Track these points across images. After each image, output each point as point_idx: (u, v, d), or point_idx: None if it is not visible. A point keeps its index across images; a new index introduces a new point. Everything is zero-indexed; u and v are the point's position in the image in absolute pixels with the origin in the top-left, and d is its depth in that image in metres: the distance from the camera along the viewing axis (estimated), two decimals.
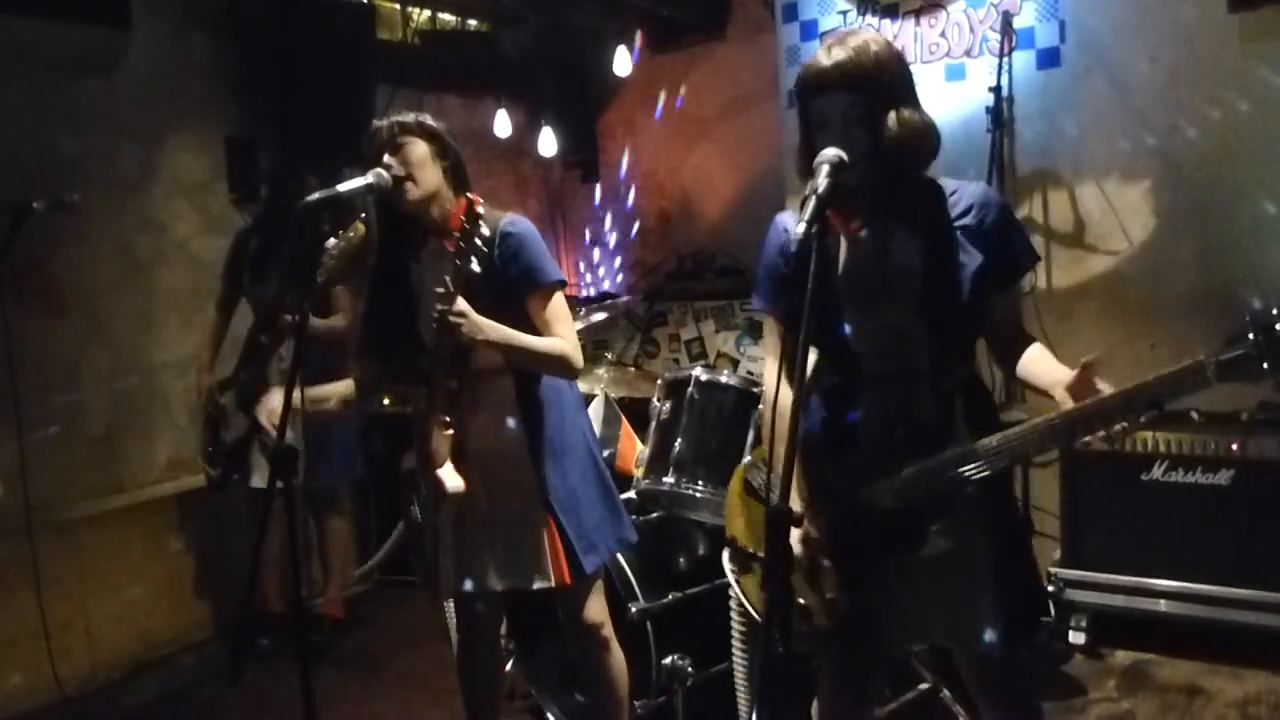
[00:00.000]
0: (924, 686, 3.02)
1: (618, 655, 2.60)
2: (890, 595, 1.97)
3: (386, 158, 2.34)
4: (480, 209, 2.26)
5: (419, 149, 2.36)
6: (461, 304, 2.19)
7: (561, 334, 2.38)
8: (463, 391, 2.36)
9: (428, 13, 5.14)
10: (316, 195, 2.23)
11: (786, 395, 1.84)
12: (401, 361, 2.46)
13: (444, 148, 2.40)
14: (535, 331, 2.38)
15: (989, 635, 1.93)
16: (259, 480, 3.73)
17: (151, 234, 4.08)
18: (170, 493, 4.09)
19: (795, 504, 1.89)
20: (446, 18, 5.27)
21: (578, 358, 2.40)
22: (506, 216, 2.42)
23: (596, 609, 2.53)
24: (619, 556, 3.03)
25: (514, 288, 2.37)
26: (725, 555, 2.57)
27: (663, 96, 5.50)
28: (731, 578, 2.58)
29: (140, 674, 3.93)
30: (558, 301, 2.42)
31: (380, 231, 2.45)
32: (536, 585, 2.41)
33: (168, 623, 4.10)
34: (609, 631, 2.57)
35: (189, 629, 4.17)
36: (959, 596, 1.95)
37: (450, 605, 2.92)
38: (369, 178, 2.31)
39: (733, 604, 2.75)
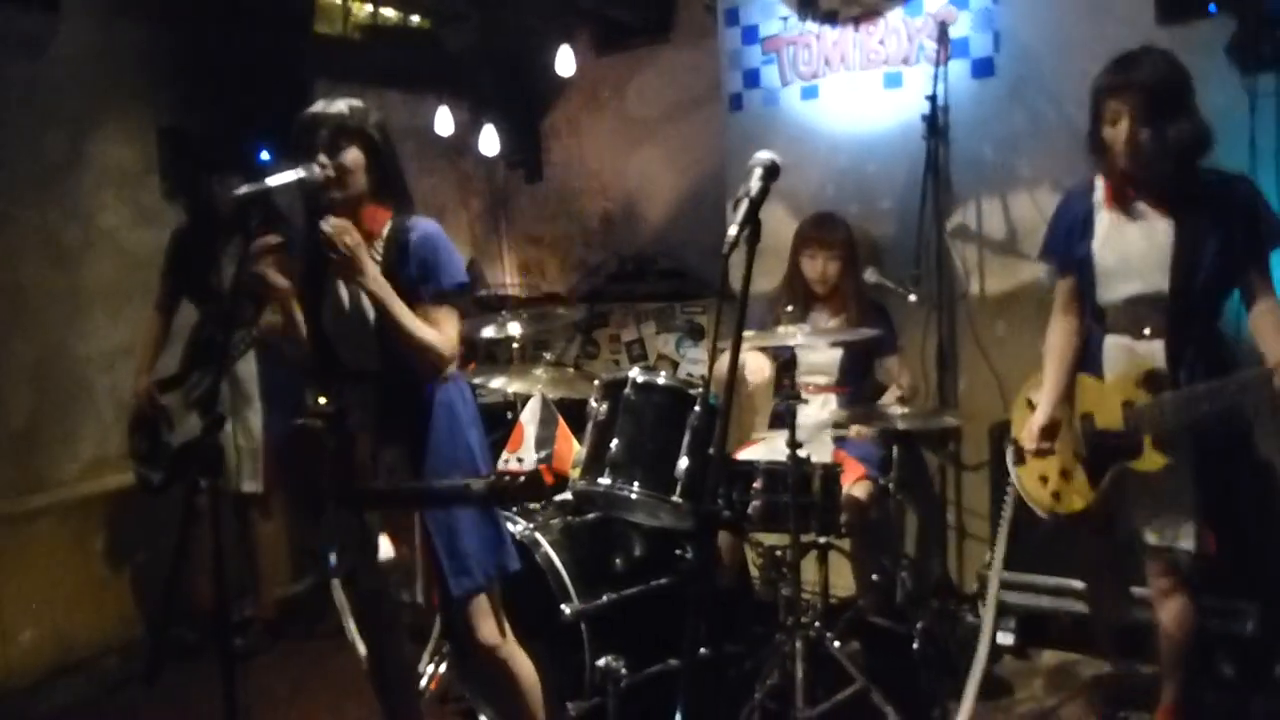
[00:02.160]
0: (854, 688, 3.05)
1: (522, 670, 2.57)
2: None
3: (322, 155, 2.31)
4: (390, 220, 2.35)
5: (354, 155, 2.34)
6: (356, 235, 2.24)
7: (442, 331, 2.37)
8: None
9: (368, 7, 5.08)
10: (246, 188, 2.20)
11: (1058, 334, 2.81)
12: (326, 358, 2.44)
13: (379, 157, 2.38)
14: None
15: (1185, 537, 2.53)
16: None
17: (78, 224, 3.98)
18: (93, 491, 3.99)
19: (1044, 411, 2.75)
20: (388, 13, 5.21)
21: (449, 352, 2.38)
22: (408, 222, 2.40)
23: (488, 631, 2.48)
24: (554, 557, 3.03)
25: (413, 291, 2.35)
26: (1008, 451, 2.97)
27: (606, 98, 5.50)
28: (1011, 467, 2.94)
29: (58, 677, 3.82)
30: (447, 308, 2.40)
31: (306, 221, 2.43)
32: (405, 598, 2.40)
33: (88, 625, 3.99)
34: (506, 651, 2.53)
35: (111, 631, 4.05)
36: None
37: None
38: (300, 171, 2.28)
39: (1008, 495, 3.01)
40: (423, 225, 2.40)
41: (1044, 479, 2.81)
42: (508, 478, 2.15)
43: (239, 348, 3.68)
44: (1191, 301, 2.57)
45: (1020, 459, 2.91)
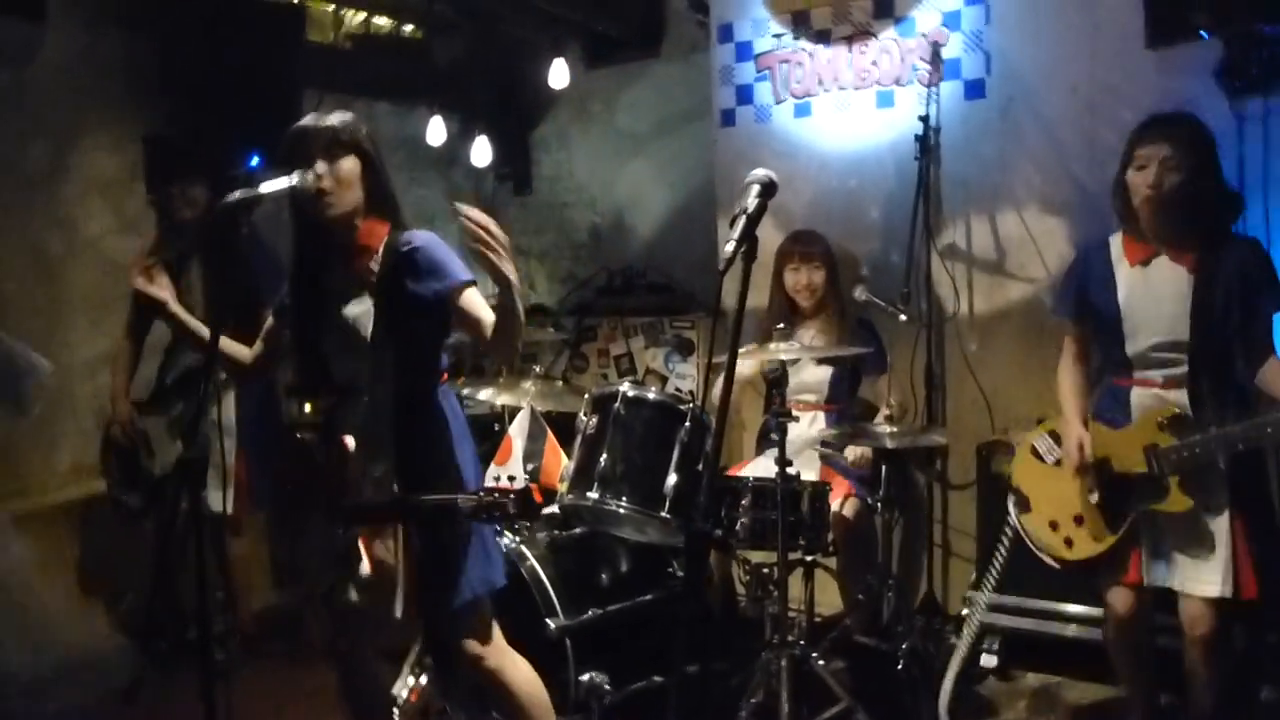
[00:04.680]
0: (839, 707, 3.03)
1: (518, 676, 2.54)
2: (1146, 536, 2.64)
3: (319, 164, 2.30)
4: (387, 234, 2.34)
5: (349, 164, 2.33)
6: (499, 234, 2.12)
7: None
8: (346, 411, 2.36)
9: (360, 16, 5.07)
10: (235, 195, 2.18)
11: (1072, 379, 2.86)
12: (315, 371, 2.43)
13: (373, 169, 2.38)
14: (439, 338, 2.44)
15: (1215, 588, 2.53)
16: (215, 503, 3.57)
17: (61, 232, 3.95)
18: (73, 499, 3.94)
19: (1075, 428, 2.76)
20: (380, 22, 5.20)
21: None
22: (404, 236, 2.39)
23: (474, 643, 2.47)
24: (539, 571, 3.00)
25: (427, 302, 2.34)
26: (1010, 499, 2.97)
27: (596, 111, 5.50)
28: (1014, 514, 2.94)
29: (34, 689, 3.75)
30: (475, 297, 2.37)
31: (297, 233, 2.41)
32: (384, 614, 2.36)
33: (65, 635, 3.92)
34: (495, 661, 2.50)
35: (89, 642, 3.99)
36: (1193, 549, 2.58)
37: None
38: (293, 179, 2.27)
39: (1006, 535, 3.04)
40: (421, 235, 2.39)
41: (1054, 525, 2.81)
42: (496, 495, 2.13)
43: (223, 385, 3.58)
44: (1212, 349, 2.62)
45: (1025, 507, 2.90)
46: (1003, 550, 3.05)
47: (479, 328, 2.32)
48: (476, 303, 2.36)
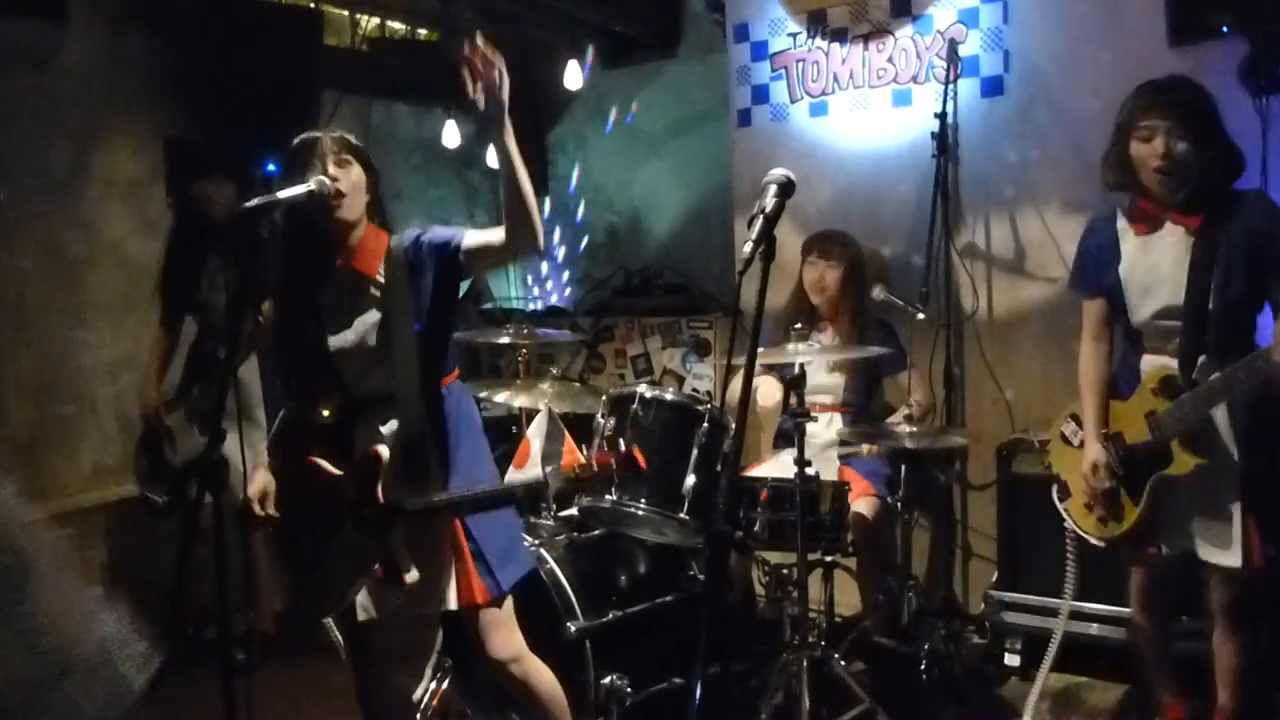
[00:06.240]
0: (860, 708, 3.02)
1: (543, 679, 2.57)
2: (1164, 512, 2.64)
3: (332, 169, 2.32)
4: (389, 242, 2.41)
5: (357, 173, 2.39)
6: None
7: None
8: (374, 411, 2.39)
9: (377, 20, 5.09)
10: (256, 200, 2.19)
11: (1094, 370, 2.80)
12: (314, 376, 2.44)
13: (375, 181, 2.44)
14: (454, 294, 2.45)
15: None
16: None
17: (82, 234, 3.97)
18: (95, 502, 3.96)
19: (1092, 439, 2.74)
20: (396, 25, 5.22)
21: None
22: (401, 236, 2.45)
23: (501, 643, 2.49)
24: (558, 573, 3.00)
25: (441, 271, 2.39)
26: (1054, 489, 2.95)
27: (613, 112, 5.50)
28: (1059, 504, 2.93)
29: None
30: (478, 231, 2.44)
31: (291, 242, 2.42)
32: (449, 606, 2.40)
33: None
34: (527, 663, 2.53)
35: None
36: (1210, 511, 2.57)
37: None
38: (311, 184, 2.29)
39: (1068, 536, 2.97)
40: (407, 233, 2.46)
41: (1089, 506, 2.81)
42: (596, 466, 2.28)
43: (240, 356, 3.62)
44: (1209, 312, 2.57)
45: (1066, 493, 2.90)
46: (1071, 551, 3.00)
47: (495, 245, 2.34)
48: (481, 233, 2.39)
